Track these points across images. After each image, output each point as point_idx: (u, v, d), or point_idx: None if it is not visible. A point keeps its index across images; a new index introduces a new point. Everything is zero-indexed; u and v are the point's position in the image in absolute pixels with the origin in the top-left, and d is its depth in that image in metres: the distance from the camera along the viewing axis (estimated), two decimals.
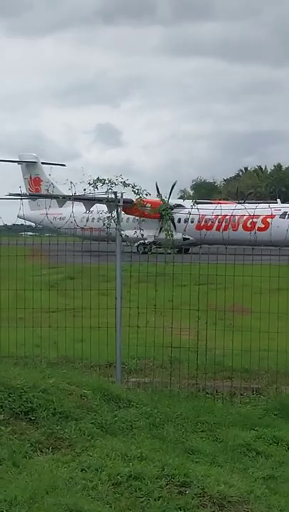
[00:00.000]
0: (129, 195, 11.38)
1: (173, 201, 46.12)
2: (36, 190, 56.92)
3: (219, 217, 44.69)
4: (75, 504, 6.16)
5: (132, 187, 11.15)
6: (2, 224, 12.22)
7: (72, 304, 12.65)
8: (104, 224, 11.53)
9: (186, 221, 45.34)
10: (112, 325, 11.02)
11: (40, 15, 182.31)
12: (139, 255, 12.53)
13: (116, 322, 10.92)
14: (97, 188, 11.02)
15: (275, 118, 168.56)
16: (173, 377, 10.80)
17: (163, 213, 11.87)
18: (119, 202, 11.11)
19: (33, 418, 8.19)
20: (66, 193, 12.42)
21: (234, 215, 44.31)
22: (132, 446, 7.64)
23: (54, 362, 11.23)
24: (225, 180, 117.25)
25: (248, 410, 9.74)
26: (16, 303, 11.92)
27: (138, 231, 11.36)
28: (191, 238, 44.83)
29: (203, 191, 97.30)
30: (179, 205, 45.38)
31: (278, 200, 56.38)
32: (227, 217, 44.44)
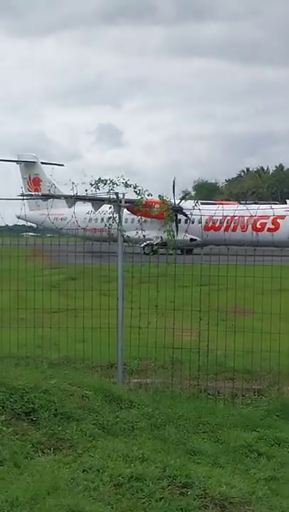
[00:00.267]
0: (131, 195, 11.38)
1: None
2: (36, 191, 56.58)
3: (228, 218, 44.48)
4: (77, 505, 6.15)
5: (134, 187, 11.15)
6: (4, 224, 12.22)
7: (74, 304, 12.64)
8: (105, 225, 11.53)
9: (191, 222, 45.20)
10: (113, 325, 11.01)
11: (42, 15, 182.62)
12: (141, 256, 12.50)
13: (117, 323, 10.91)
14: (98, 188, 11.02)
15: (277, 119, 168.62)
16: (174, 378, 10.79)
17: (166, 214, 11.79)
18: (120, 202, 11.10)
19: (34, 419, 8.19)
20: (67, 194, 12.43)
21: (242, 216, 44.03)
22: (133, 447, 7.63)
23: (55, 362, 11.22)
24: (227, 181, 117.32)
25: (250, 411, 9.73)
26: (17, 303, 11.92)
27: (140, 232, 11.35)
28: (198, 239, 44.69)
29: (205, 192, 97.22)
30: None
31: (287, 200, 56.18)
32: (236, 218, 44.24)
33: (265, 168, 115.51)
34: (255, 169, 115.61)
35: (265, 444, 8.58)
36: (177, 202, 46.63)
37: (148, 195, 11.46)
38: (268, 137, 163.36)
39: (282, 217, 44.62)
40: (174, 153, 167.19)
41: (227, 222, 45.89)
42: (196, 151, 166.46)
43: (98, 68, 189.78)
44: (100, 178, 11.05)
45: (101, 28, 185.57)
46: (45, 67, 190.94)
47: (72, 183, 11.20)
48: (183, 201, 47.95)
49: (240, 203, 53.17)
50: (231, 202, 61.41)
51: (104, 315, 11.18)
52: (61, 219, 12.54)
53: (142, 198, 11.29)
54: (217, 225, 46.58)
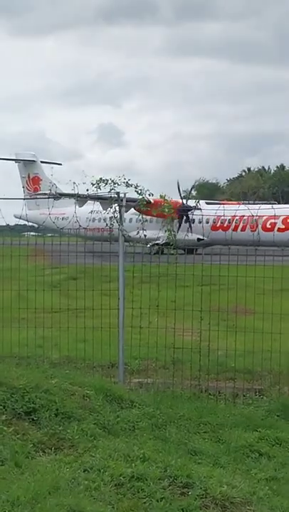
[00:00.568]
0: (133, 195, 11.37)
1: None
2: (35, 189, 56.27)
3: (237, 217, 44.23)
4: (78, 505, 6.15)
5: (135, 187, 11.15)
6: (5, 224, 12.21)
7: (75, 304, 12.64)
8: (107, 224, 11.52)
9: (198, 222, 45.13)
10: (114, 325, 11.01)
11: (43, 15, 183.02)
12: (142, 255, 12.48)
13: (119, 322, 10.91)
14: (100, 188, 11.01)
15: (278, 119, 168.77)
16: (175, 378, 10.78)
17: (166, 213, 11.77)
18: (122, 201, 11.10)
19: (35, 418, 8.19)
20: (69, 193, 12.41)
21: (252, 216, 43.78)
22: (134, 447, 7.62)
23: (57, 362, 11.22)
24: (228, 180, 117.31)
25: (251, 411, 9.73)
26: (18, 303, 11.93)
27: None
28: (205, 238, 44.57)
29: (206, 192, 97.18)
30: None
31: None
32: (245, 217, 44.00)
33: (267, 168, 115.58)
34: (256, 169, 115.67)
35: (266, 444, 8.58)
36: (188, 202, 46.73)
37: (149, 194, 11.46)
38: (269, 137, 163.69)
39: None
40: (174, 153, 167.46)
41: (236, 222, 45.54)
42: (196, 150, 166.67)
43: (99, 68, 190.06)
44: (101, 178, 11.05)
45: (102, 27, 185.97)
46: (46, 67, 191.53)
47: (74, 182, 11.20)
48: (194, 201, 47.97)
49: (244, 203, 52.98)
50: (234, 202, 61.15)
51: (105, 315, 11.18)
52: (62, 218, 12.51)
53: (144, 197, 11.28)
54: (225, 224, 46.32)
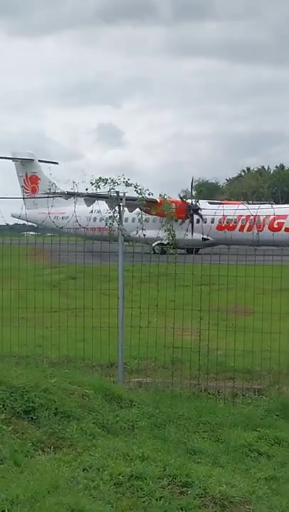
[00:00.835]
0: (132, 194, 11.38)
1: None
2: (33, 189, 55.90)
3: (243, 217, 44.08)
4: (77, 504, 6.15)
5: (135, 187, 11.16)
6: (4, 223, 12.21)
7: (75, 303, 12.64)
8: (106, 223, 11.53)
9: (204, 221, 45.04)
10: (114, 325, 11.01)
11: (42, 15, 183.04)
12: (142, 255, 12.49)
13: (118, 322, 10.91)
14: (99, 187, 11.03)
15: (278, 118, 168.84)
16: (175, 377, 10.79)
17: (165, 213, 11.78)
18: (121, 201, 11.10)
19: (34, 417, 8.19)
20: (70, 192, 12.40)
21: (258, 215, 43.58)
22: (133, 446, 7.63)
23: (56, 362, 11.22)
24: (227, 180, 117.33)
25: (250, 411, 9.73)
26: (17, 302, 11.92)
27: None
28: (211, 238, 44.48)
29: (206, 191, 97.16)
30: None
31: None
32: (251, 217, 43.84)
33: (266, 168, 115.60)
34: (255, 169, 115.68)
35: (265, 443, 8.58)
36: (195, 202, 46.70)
37: (148, 194, 11.48)
38: (268, 137, 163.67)
39: None
40: (174, 152, 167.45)
41: (242, 222, 45.32)
42: (196, 150, 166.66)
43: (98, 68, 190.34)
44: (100, 178, 11.06)
45: (101, 27, 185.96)
46: (46, 67, 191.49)
47: (73, 182, 11.21)
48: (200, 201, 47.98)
49: (248, 203, 52.87)
50: (237, 202, 61.00)
51: (104, 314, 11.18)
52: (62, 218, 12.48)
53: (143, 197, 11.30)
54: (231, 224, 46.15)
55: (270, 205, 46.95)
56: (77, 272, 14.67)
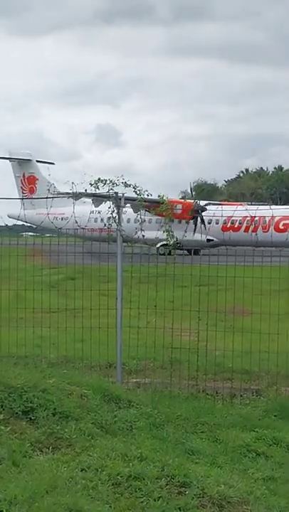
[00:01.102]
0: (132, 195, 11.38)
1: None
2: (31, 189, 55.55)
3: (248, 218, 43.91)
4: (75, 504, 6.17)
5: (134, 188, 11.16)
6: (3, 224, 12.21)
7: (73, 304, 12.66)
8: (105, 224, 11.52)
9: (208, 222, 44.97)
10: (112, 325, 11.03)
11: (41, 15, 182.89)
12: (140, 256, 12.50)
13: (116, 322, 10.92)
14: (98, 188, 11.03)
15: (276, 120, 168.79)
16: (173, 378, 10.80)
17: (165, 213, 11.77)
18: (120, 201, 11.11)
19: (33, 418, 8.20)
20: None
21: (264, 216, 43.44)
22: (132, 446, 7.64)
23: (54, 362, 11.23)
24: (226, 181, 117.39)
25: (248, 411, 9.74)
26: (16, 303, 11.93)
27: (139, 232, 11.35)
28: (215, 239, 44.40)
29: (205, 192, 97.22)
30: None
31: None
32: (256, 218, 43.72)
33: (265, 169, 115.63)
34: (254, 170, 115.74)
35: (263, 444, 8.59)
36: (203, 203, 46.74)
37: (147, 195, 11.48)
38: (267, 138, 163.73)
39: None
40: (172, 153, 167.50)
41: (247, 223, 45.12)
42: (195, 151, 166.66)
43: (97, 68, 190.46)
44: (99, 178, 11.06)
45: (100, 28, 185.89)
46: (44, 67, 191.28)
47: (72, 183, 11.21)
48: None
49: (252, 204, 52.87)
50: (235, 203, 60.89)
51: (103, 315, 11.20)
52: (62, 218, 12.44)
53: (142, 197, 11.30)
54: (236, 225, 45.99)
55: (268, 207, 46.98)
56: (75, 272, 14.68)
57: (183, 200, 47.47)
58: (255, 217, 43.27)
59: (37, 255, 13.59)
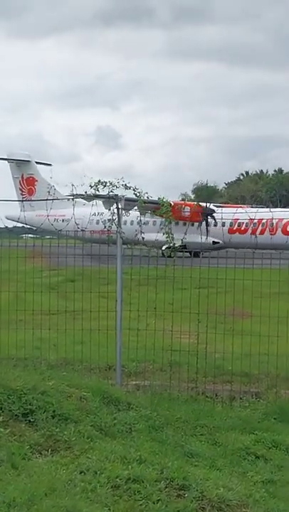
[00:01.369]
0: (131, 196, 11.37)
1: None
2: (30, 191, 55.24)
3: (255, 220, 43.71)
4: (74, 506, 6.15)
5: (134, 190, 11.16)
6: (3, 226, 12.21)
7: (73, 306, 12.65)
8: (105, 226, 11.52)
9: (214, 225, 44.87)
10: (112, 327, 11.02)
11: (41, 17, 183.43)
12: (140, 258, 12.48)
13: (116, 325, 10.91)
14: (98, 190, 11.02)
15: (276, 122, 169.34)
16: (173, 380, 10.79)
17: (165, 215, 11.74)
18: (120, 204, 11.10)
19: (32, 420, 8.18)
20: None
21: (271, 219, 43.24)
22: (131, 449, 7.63)
23: (54, 364, 11.22)
24: (226, 184, 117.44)
25: (248, 414, 9.73)
26: (16, 305, 11.92)
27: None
28: (221, 242, 44.30)
29: (205, 195, 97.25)
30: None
31: None
32: (263, 220, 43.55)
33: (265, 172, 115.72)
34: (254, 172, 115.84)
35: (262, 446, 8.59)
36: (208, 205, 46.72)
37: (147, 197, 11.47)
38: (267, 141, 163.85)
39: None
40: (172, 156, 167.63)
41: (254, 225, 44.91)
42: (195, 154, 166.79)
43: (97, 70, 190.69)
44: (99, 180, 11.06)
45: (100, 30, 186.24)
46: (44, 69, 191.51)
47: (72, 184, 11.21)
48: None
49: (256, 207, 52.85)
50: (235, 205, 60.76)
51: (102, 317, 11.19)
52: (62, 220, 12.39)
53: (142, 199, 11.30)
54: (243, 228, 45.81)
55: (268, 209, 46.98)
56: (75, 274, 14.67)
57: (192, 203, 47.47)
58: (262, 219, 43.17)
59: (37, 257, 13.58)
